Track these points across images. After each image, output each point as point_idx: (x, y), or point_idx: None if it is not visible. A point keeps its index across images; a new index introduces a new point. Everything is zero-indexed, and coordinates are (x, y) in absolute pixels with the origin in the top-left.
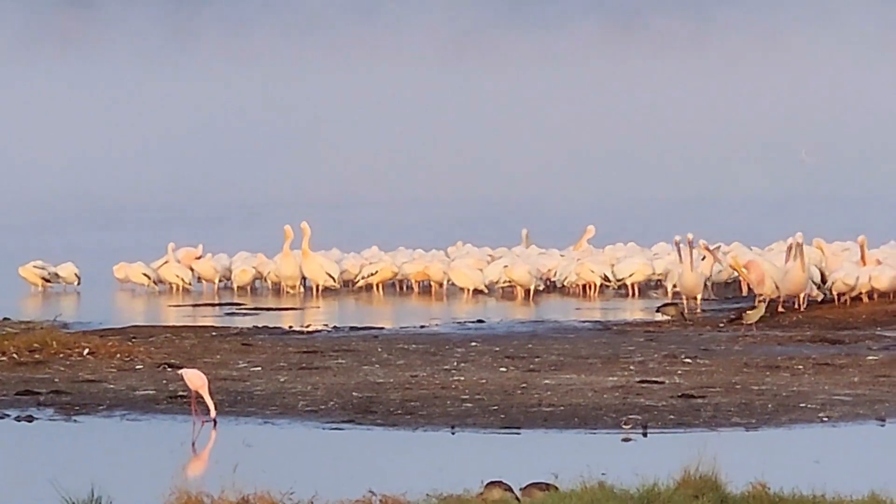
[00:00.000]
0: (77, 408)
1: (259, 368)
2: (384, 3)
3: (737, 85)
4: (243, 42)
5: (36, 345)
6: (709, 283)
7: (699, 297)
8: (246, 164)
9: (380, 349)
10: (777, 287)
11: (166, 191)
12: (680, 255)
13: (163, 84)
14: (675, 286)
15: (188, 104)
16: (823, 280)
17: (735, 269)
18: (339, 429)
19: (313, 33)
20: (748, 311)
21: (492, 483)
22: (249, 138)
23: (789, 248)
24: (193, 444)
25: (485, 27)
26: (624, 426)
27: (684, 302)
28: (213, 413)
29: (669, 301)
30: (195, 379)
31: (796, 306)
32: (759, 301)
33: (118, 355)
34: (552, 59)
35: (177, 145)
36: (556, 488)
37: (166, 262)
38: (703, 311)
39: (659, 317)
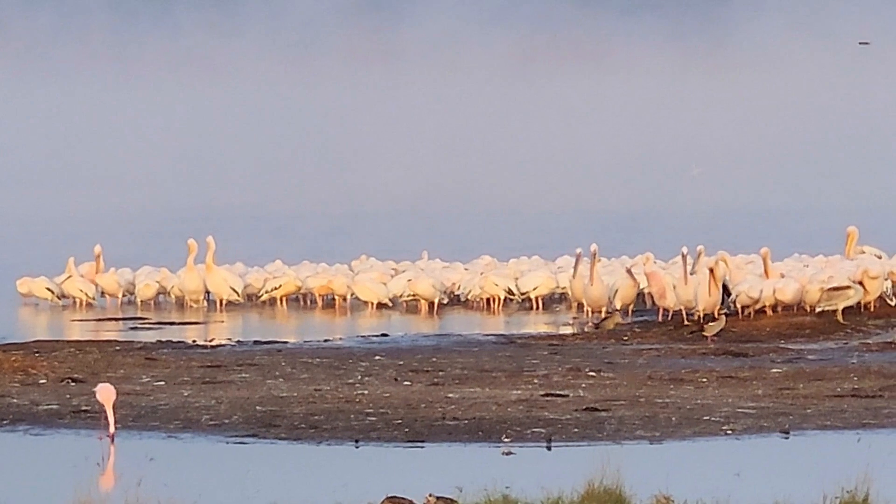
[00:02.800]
0: None
1: (163, 383)
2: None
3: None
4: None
5: None
6: (611, 296)
7: (604, 309)
8: (159, 176)
9: (283, 363)
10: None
11: (66, 204)
12: (575, 268)
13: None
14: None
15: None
16: (728, 293)
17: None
18: (243, 443)
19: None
20: (710, 324)
21: (390, 498)
22: (173, 151)
23: (684, 258)
24: (101, 459)
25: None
26: (504, 439)
27: (588, 315)
28: (111, 429)
29: (604, 316)
30: (104, 392)
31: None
32: (720, 313)
33: (21, 370)
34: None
35: (99, 157)
36: (457, 502)
37: (69, 277)
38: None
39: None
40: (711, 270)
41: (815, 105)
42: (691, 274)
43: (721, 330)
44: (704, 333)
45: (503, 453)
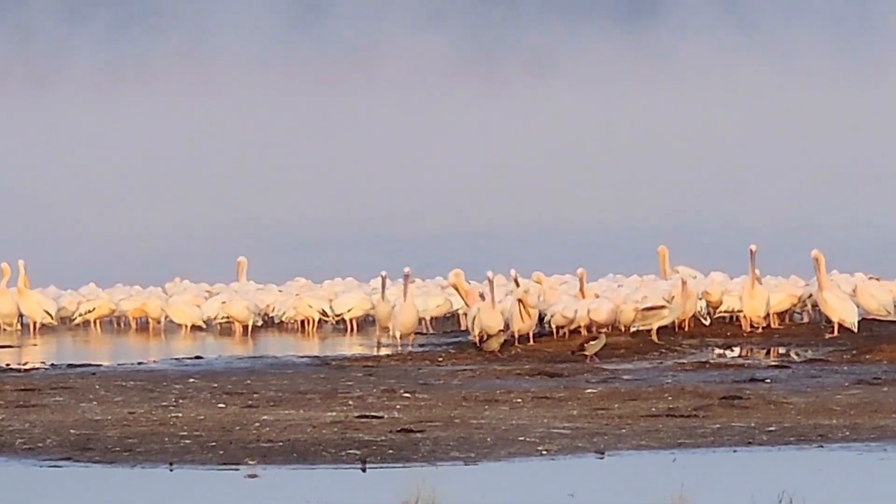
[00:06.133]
0: None
1: None
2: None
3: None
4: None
5: None
6: (426, 318)
7: (412, 333)
8: None
9: (97, 386)
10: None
11: None
12: (383, 292)
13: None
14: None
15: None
16: (541, 315)
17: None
18: (57, 466)
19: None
20: (590, 343)
21: None
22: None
23: (490, 282)
24: None
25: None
26: (250, 462)
27: (398, 339)
28: None
29: (487, 335)
30: None
31: (517, 341)
32: (600, 332)
33: None
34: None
35: None
36: None
37: None
38: (422, 345)
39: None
40: (521, 300)
41: (642, 122)
42: (507, 295)
43: (602, 348)
44: (585, 353)
45: (246, 476)
